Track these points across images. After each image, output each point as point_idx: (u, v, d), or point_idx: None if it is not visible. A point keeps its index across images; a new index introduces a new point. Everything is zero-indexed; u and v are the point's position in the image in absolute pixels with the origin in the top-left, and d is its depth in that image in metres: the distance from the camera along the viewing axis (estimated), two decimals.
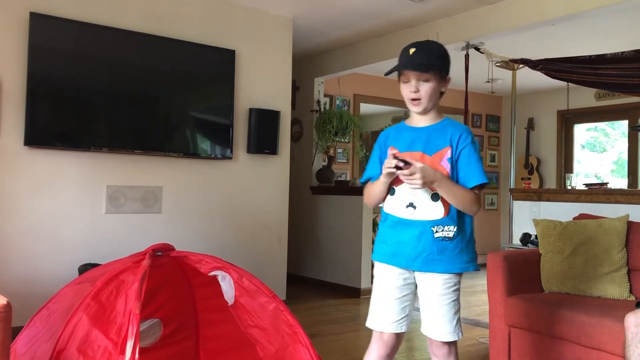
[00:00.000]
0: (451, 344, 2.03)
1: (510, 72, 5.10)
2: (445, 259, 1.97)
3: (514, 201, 4.76)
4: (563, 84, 5.06)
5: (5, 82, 3.64)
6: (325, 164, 6.12)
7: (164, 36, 4.18)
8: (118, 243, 3.97)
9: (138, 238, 4.02)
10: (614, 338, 2.35)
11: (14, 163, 3.69)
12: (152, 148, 4.14)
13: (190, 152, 4.33)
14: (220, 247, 4.35)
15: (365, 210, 5.42)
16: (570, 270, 2.98)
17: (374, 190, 2.08)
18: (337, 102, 6.83)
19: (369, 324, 2.11)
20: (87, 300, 2.11)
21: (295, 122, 6.10)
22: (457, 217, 1.98)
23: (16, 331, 2.03)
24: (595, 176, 7.53)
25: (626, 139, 7.09)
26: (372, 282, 2.23)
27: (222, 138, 4.46)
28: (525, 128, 7.75)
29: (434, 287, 2.00)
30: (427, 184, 1.89)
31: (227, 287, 2.48)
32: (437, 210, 1.97)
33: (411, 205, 1.99)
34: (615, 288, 2.90)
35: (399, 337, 2.08)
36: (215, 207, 4.48)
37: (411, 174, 1.86)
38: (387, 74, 2.07)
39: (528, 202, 4.54)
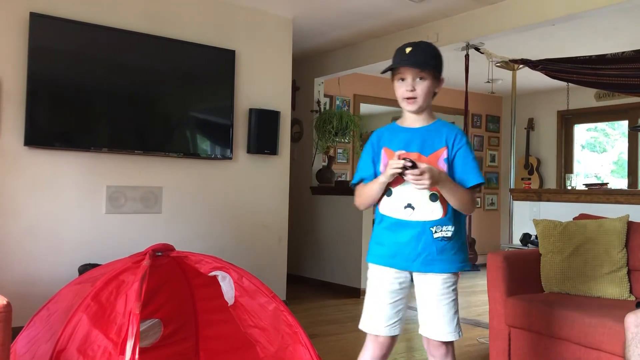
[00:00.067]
0: (449, 344, 2.03)
1: (510, 73, 5.10)
2: (445, 258, 1.97)
3: (514, 201, 4.76)
4: (563, 84, 5.06)
5: (5, 82, 3.64)
6: (325, 164, 6.12)
7: (163, 36, 4.18)
8: (118, 243, 3.97)
9: (138, 238, 4.02)
10: (614, 338, 2.35)
11: (14, 163, 3.69)
12: (152, 148, 4.14)
13: (190, 153, 4.33)
14: (220, 247, 4.35)
15: (365, 211, 5.40)
16: (570, 270, 2.98)
17: (369, 191, 2.04)
18: (337, 102, 6.83)
19: (362, 326, 2.09)
20: (87, 300, 2.11)
21: (295, 122, 6.10)
22: (454, 217, 1.99)
23: (16, 331, 2.03)
24: (595, 176, 7.53)
25: (626, 139, 7.09)
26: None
27: (222, 138, 4.46)
28: (525, 128, 7.75)
29: (433, 287, 2.00)
30: (433, 184, 1.89)
31: (227, 287, 2.48)
32: (435, 211, 1.97)
33: (409, 206, 1.98)
34: (615, 288, 2.90)
35: (393, 338, 2.08)
36: (215, 207, 4.48)
37: (421, 174, 1.85)
38: (383, 72, 2.07)
39: (528, 202, 4.54)
